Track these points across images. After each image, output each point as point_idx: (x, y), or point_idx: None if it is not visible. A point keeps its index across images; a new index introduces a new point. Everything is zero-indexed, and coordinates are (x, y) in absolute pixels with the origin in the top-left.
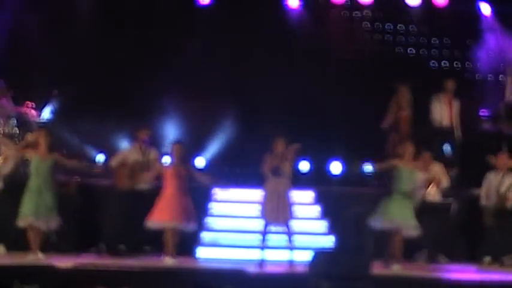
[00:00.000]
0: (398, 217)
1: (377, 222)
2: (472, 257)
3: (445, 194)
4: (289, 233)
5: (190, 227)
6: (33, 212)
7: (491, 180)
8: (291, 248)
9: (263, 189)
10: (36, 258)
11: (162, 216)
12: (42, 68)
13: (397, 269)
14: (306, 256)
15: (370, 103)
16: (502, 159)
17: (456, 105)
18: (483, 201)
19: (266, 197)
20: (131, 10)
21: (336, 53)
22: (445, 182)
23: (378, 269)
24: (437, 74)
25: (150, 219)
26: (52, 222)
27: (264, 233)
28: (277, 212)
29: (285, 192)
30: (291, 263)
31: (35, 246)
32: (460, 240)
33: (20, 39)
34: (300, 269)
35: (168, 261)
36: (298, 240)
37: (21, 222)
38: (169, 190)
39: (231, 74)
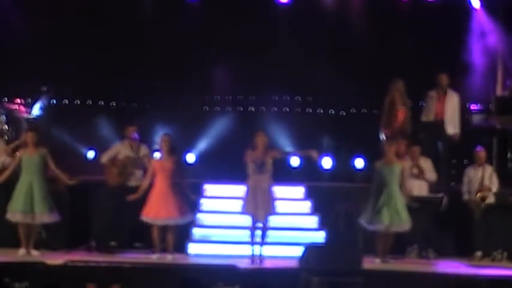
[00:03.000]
0: (387, 218)
1: (367, 224)
2: (462, 252)
3: (436, 188)
4: (265, 228)
5: (185, 219)
6: (22, 208)
7: (471, 175)
8: (262, 243)
9: (246, 185)
10: (27, 254)
11: (154, 213)
12: (31, 65)
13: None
14: (297, 251)
15: (362, 97)
16: (480, 153)
17: (453, 99)
18: (465, 197)
19: (248, 193)
20: (119, 5)
21: (326, 47)
22: (432, 176)
23: (368, 264)
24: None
25: (144, 215)
26: (45, 217)
27: (253, 228)
28: (259, 208)
29: (267, 187)
30: (260, 257)
31: (25, 242)
32: (451, 235)
33: (8, 36)
34: (291, 264)
35: (155, 258)
36: (288, 235)
37: (10, 217)
38: (159, 185)
39: (220, 69)
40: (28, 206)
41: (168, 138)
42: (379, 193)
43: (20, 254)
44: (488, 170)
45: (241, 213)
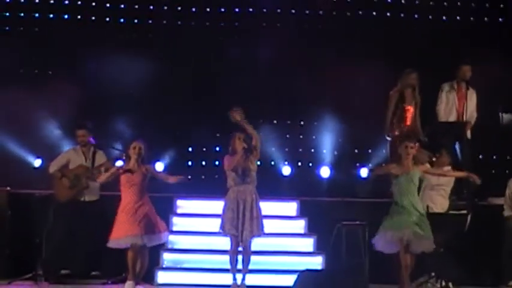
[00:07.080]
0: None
1: (379, 245)
2: (489, 281)
3: (457, 205)
4: (248, 252)
5: (159, 238)
6: None
7: None
8: (245, 270)
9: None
10: None
11: (123, 232)
12: None
13: None
14: (289, 280)
15: (367, 95)
16: None
17: (473, 97)
18: (506, 213)
19: (227, 208)
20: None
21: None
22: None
23: None
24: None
25: (111, 238)
26: None
27: (233, 252)
28: (241, 227)
29: (252, 201)
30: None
31: None
32: (476, 261)
33: None
34: None
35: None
36: (278, 261)
37: None
38: (128, 199)
39: (193, 71)
40: None
41: (141, 144)
42: (396, 206)
43: None
44: None
45: (219, 233)
